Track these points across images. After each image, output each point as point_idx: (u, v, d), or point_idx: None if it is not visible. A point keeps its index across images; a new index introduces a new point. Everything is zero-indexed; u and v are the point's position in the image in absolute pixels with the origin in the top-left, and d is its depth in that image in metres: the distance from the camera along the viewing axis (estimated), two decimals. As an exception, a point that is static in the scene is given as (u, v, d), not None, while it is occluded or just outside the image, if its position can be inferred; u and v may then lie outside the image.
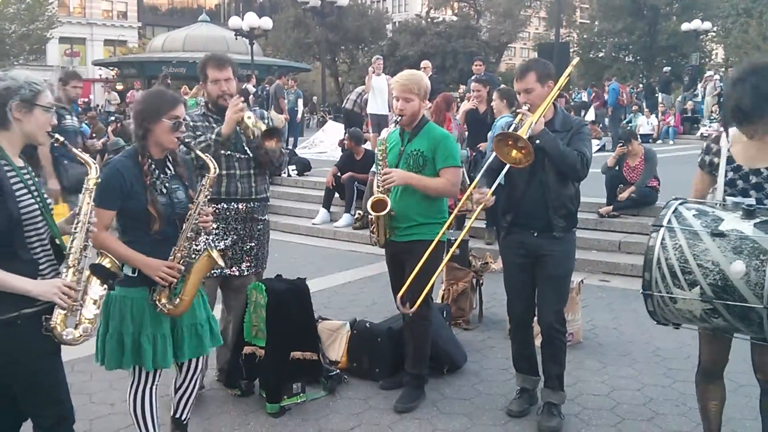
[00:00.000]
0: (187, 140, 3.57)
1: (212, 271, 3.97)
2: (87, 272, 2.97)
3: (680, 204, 3.15)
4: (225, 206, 4.35)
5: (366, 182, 9.76)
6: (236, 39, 27.34)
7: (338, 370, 4.82)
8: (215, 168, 3.53)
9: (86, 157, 3.10)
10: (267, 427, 4.18)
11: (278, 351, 4.35)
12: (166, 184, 3.42)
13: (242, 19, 25.38)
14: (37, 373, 2.87)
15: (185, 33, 34.50)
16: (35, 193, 2.85)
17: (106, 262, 3.04)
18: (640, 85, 32.30)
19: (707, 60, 42.79)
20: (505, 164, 3.89)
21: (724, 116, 3.37)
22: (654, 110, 23.04)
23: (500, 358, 5.21)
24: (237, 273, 4.46)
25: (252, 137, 4.31)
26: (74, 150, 3.16)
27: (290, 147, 15.19)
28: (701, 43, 38.99)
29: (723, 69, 36.84)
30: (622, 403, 4.54)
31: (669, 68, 29.79)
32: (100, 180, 3.07)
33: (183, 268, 3.38)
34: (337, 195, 10.57)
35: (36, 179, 2.94)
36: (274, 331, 4.34)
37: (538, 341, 4.35)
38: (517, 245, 4.20)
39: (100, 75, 42.56)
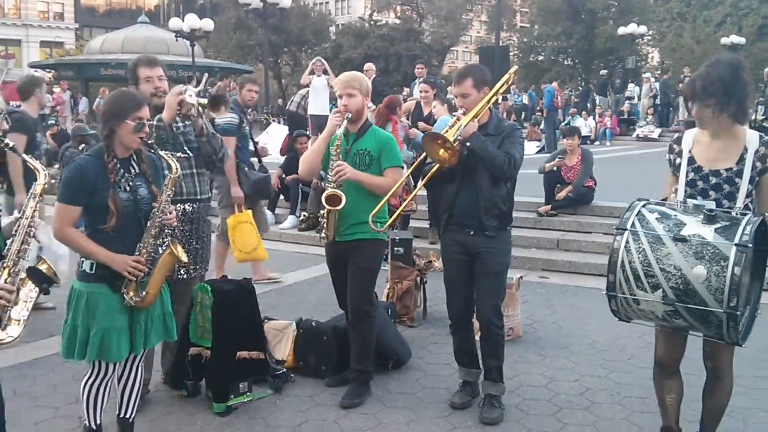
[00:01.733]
0: (149, 141, 3.64)
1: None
2: (23, 275, 3.01)
3: (643, 206, 3.25)
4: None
5: (311, 184, 9.80)
6: (177, 40, 27.02)
7: (284, 369, 4.87)
8: (177, 167, 3.65)
9: (36, 163, 3.22)
10: (215, 426, 4.22)
11: (224, 351, 4.39)
12: (130, 182, 3.53)
13: (183, 21, 25.13)
14: None
15: (124, 34, 33.91)
16: None
17: (44, 267, 3.09)
18: (579, 88, 33.05)
19: (643, 63, 43.95)
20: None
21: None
22: (591, 112, 23.64)
23: (443, 353, 5.34)
24: (185, 275, 4.50)
25: (198, 114, 4.37)
26: (24, 156, 3.22)
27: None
28: (637, 46, 40.04)
29: (658, 72, 37.86)
30: (560, 393, 4.72)
31: (606, 71, 30.56)
32: (66, 177, 3.21)
33: (149, 263, 3.50)
34: (282, 197, 10.59)
35: None
36: (220, 331, 4.38)
37: (478, 336, 4.49)
38: (454, 243, 4.35)
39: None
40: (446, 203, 4.34)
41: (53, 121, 18.45)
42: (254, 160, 7.60)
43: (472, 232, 4.23)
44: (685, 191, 3.37)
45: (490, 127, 4.22)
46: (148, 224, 3.55)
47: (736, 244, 2.92)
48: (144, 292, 3.51)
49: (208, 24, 25.40)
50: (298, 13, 43.28)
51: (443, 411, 4.43)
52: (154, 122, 4.22)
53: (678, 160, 3.44)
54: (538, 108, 23.35)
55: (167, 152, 3.83)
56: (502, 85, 4.42)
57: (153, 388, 4.66)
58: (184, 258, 3.72)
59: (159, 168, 3.77)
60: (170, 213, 3.61)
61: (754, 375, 4.97)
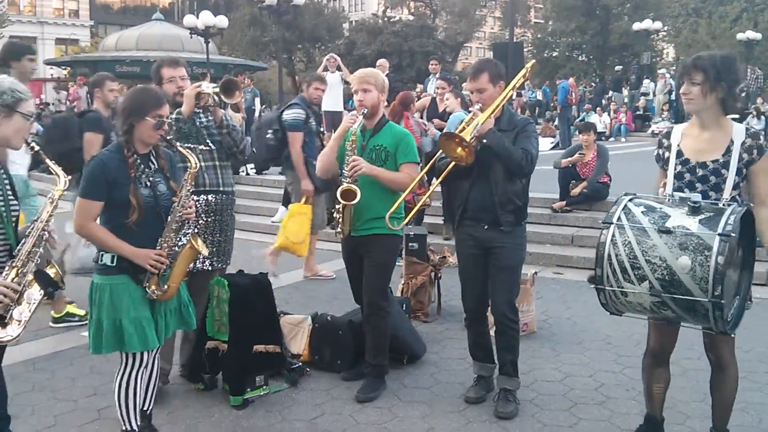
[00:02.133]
0: (168, 137, 3.71)
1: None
2: (30, 276, 3.06)
3: (629, 200, 3.28)
4: (195, 198, 4.43)
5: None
6: (191, 38, 27.12)
7: (300, 363, 4.91)
8: (196, 162, 3.72)
9: (57, 169, 3.24)
10: (231, 419, 4.26)
11: (241, 344, 4.43)
12: (150, 178, 3.58)
13: (197, 18, 25.21)
14: None
15: (139, 32, 34.09)
16: None
17: (52, 272, 3.15)
18: (593, 84, 32.93)
19: (658, 59, 43.73)
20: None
21: (677, 72, 3.59)
22: (606, 108, 23.55)
23: (458, 348, 5.36)
24: (205, 267, 4.54)
25: (215, 104, 4.46)
26: (47, 161, 3.25)
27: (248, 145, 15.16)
28: (652, 42, 39.82)
29: (674, 68, 37.67)
30: (575, 388, 4.73)
31: (621, 67, 30.43)
32: (87, 172, 3.35)
33: (170, 256, 3.56)
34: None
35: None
36: (237, 325, 4.42)
37: (492, 331, 4.51)
38: (469, 238, 4.36)
39: (52, 74, 41.77)
40: (461, 198, 4.36)
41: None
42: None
43: (486, 227, 4.25)
44: (674, 184, 3.40)
45: (502, 122, 4.23)
46: (169, 218, 3.61)
47: (719, 234, 2.94)
48: (166, 286, 3.57)
49: (222, 21, 25.46)
50: (312, 9, 43.32)
51: (458, 405, 4.45)
52: (174, 116, 4.28)
53: (667, 154, 3.48)
54: (552, 104, 23.30)
55: (186, 147, 3.89)
56: (519, 79, 4.44)
57: (170, 380, 4.71)
58: (205, 251, 3.81)
59: (175, 164, 3.82)
60: (190, 207, 3.67)
61: (766, 371, 4.96)
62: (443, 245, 7.68)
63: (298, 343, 5.09)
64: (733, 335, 3.27)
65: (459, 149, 3.95)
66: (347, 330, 4.96)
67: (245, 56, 40.45)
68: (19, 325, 3.02)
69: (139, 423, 3.66)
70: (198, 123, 4.54)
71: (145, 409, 3.83)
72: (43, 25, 51.88)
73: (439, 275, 6.44)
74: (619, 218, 3.19)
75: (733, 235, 2.95)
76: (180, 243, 3.68)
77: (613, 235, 3.17)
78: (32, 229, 3.06)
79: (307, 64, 46.11)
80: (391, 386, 4.69)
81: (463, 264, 4.46)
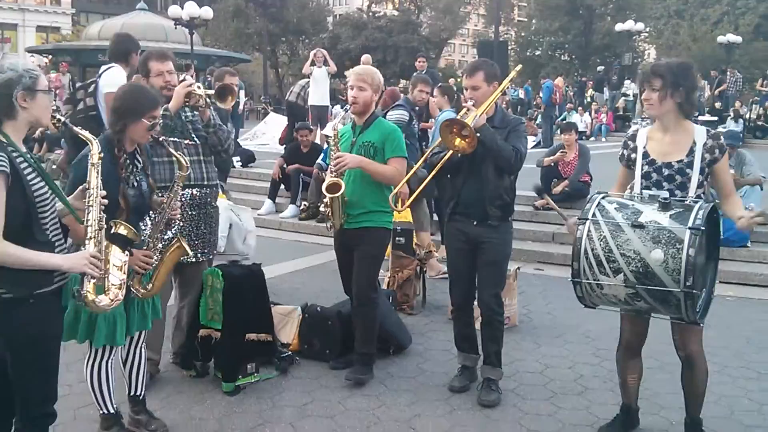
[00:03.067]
0: (160, 138, 3.80)
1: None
2: (105, 242, 3.12)
3: (603, 198, 3.50)
4: (181, 193, 4.54)
5: (311, 174, 9.96)
6: (175, 28, 27.04)
7: (290, 352, 5.06)
8: (187, 165, 3.84)
9: (87, 134, 3.22)
10: (223, 404, 4.39)
11: (234, 333, 4.57)
12: (138, 177, 3.62)
13: (182, 9, 25.15)
14: (40, 351, 3.00)
15: (122, 21, 33.66)
16: (45, 177, 2.98)
17: (122, 230, 3.23)
18: (576, 83, 33.22)
19: (640, 60, 44.17)
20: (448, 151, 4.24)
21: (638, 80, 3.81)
22: (587, 108, 23.83)
23: (442, 340, 5.52)
24: (192, 259, 4.65)
25: (206, 105, 4.52)
26: (75, 129, 3.28)
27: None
28: (634, 43, 40.24)
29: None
30: (555, 379, 4.91)
31: (603, 67, 30.72)
32: (75, 170, 3.28)
33: (157, 256, 3.66)
34: (282, 186, 10.75)
35: (41, 163, 3.08)
36: (230, 313, 4.56)
37: (477, 324, 4.68)
38: (458, 233, 4.54)
39: (33, 62, 41.45)
40: (452, 193, 4.53)
41: (54, 106, 18.47)
42: None
43: (475, 222, 4.42)
44: (641, 183, 3.61)
45: (495, 120, 4.40)
46: (157, 219, 3.70)
47: (689, 228, 3.15)
48: (150, 284, 3.67)
49: (207, 12, 25.41)
50: (297, 2, 43.25)
51: (443, 394, 4.61)
52: (161, 111, 4.37)
53: (633, 155, 3.69)
54: (534, 103, 23.54)
55: (172, 142, 3.99)
56: (509, 81, 4.61)
57: (163, 368, 4.83)
58: (190, 252, 3.95)
59: (151, 157, 3.90)
60: (176, 209, 3.78)
61: (739, 365, 5.19)
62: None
63: (288, 333, 5.24)
64: (702, 324, 3.47)
65: (458, 140, 4.13)
66: (336, 320, 5.10)
67: (229, 48, 40.30)
68: (119, 288, 3.14)
69: (115, 405, 3.79)
70: (183, 118, 4.61)
71: (137, 394, 3.97)
72: (24, 12, 51.29)
73: (425, 269, 6.60)
74: (594, 214, 3.39)
75: (703, 228, 3.16)
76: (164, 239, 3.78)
77: (589, 230, 3.36)
78: (90, 197, 3.07)
79: (290, 57, 46.12)
80: (378, 375, 4.84)
81: (452, 258, 4.63)
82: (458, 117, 4.24)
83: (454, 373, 4.78)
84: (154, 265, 3.69)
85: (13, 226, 2.79)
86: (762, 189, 8.31)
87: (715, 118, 21.00)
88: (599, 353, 5.40)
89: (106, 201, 3.10)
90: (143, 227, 3.75)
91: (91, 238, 3.01)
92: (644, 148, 3.66)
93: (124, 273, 3.20)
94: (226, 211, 6.10)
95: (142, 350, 3.96)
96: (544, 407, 4.47)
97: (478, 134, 4.18)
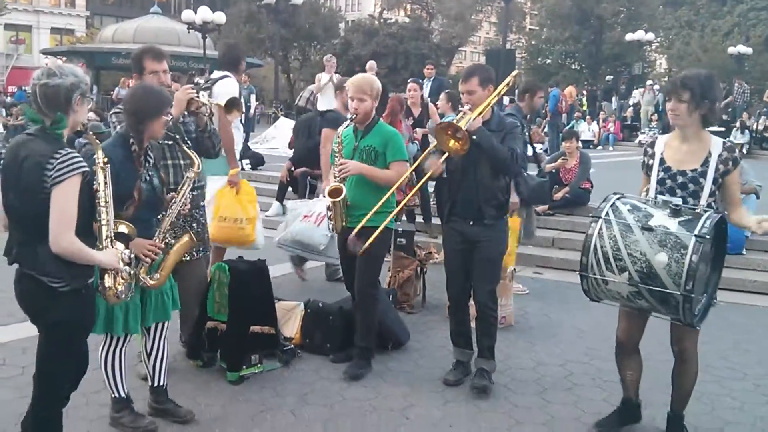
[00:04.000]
0: (176, 135, 4.09)
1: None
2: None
3: (617, 199, 3.70)
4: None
5: (318, 177, 10.15)
6: (189, 32, 27.39)
7: (292, 345, 5.28)
8: (199, 163, 4.09)
9: (93, 138, 3.46)
10: (228, 393, 4.62)
11: (239, 325, 4.79)
12: (149, 173, 3.86)
13: (195, 13, 25.50)
14: (78, 338, 3.31)
15: (136, 24, 34.25)
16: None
17: (124, 228, 3.48)
18: (586, 92, 33.37)
19: (650, 70, 44.25)
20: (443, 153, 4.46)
21: (664, 89, 3.99)
22: (595, 117, 24.02)
23: (439, 337, 5.73)
24: (188, 257, 4.75)
25: (207, 114, 4.69)
26: (88, 133, 3.52)
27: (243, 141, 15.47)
28: (645, 53, 40.33)
29: (665, 79, 38.13)
30: (546, 375, 5.12)
31: (611, 77, 30.88)
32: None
33: (164, 247, 3.89)
34: (290, 189, 10.95)
35: None
36: (235, 306, 4.78)
37: (473, 324, 4.90)
38: (455, 233, 4.76)
39: (46, 64, 41.74)
40: (449, 194, 4.76)
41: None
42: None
43: (471, 222, 4.64)
44: (656, 188, 3.78)
45: (492, 124, 4.62)
46: (169, 212, 3.94)
47: (695, 235, 3.34)
48: (157, 274, 3.89)
49: (220, 17, 25.78)
50: (309, 8, 43.52)
51: (438, 387, 4.83)
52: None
53: (651, 162, 3.86)
54: (543, 110, 23.71)
55: (190, 147, 4.24)
56: (505, 86, 4.83)
57: (171, 358, 5.04)
58: (196, 243, 4.26)
59: (159, 152, 4.18)
60: (188, 203, 4.08)
61: (725, 366, 5.39)
62: (429, 242, 8.04)
63: (291, 327, 5.46)
64: (698, 328, 3.68)
65: (452, 141, 4.35)
66: (337, 316, 5.33)
67: (241, 52, 40.61)
68: (129, 281, 3.49)
69: (126, 390, 4.03)
70: (180, 121, 4.73)
71: (161, 385, 4.20)
72: (39, 14, 51.81)
73: (425, 270, 6.81)
74: (607, 214, 3.60)
75: (708, 237, 3.34)
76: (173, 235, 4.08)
77: (601, 228, 3.57)
78: (100, 198, 3.28)
79: (302, 63, 46.41)
80: (377, 368, 5.06)
81: (449, 257, 4.85)
82: (455, 120, 4.45)
83: (450, 368, 4.99)
84: (161, 257, 3.90)
85: (80, 222, 3.06)
86: (758, 197, 8.49)
87: (722, 129, 21.19)
88: (590, 352, 5.60)
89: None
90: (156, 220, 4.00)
91: (108, 237, 3.28)
92: (661, 154, 3.83)
93: (131, 266, 3.48)
94: None
95: (166, 342, 4.19)
96: (534, 401, 4.68)
97: (474, 136, 4.39)
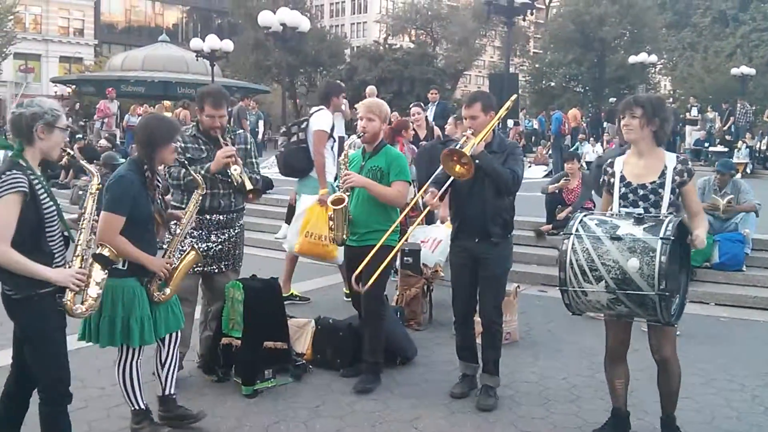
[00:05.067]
0: (183, 160, 4.43)
1: (195, 268, 4.81)
2: (90, 260, 3.65)
3: (584, 216, 3.96)
4: (208, 217, 5.03)
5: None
6: (197, 60, 27.82)
7: (304, 361, 5.47)
8: (203, 186, 4.45)
9: (90, 167, 3.83)
10: (242, 405, 4.81)
11: (253, 340, 4.99)
12: (160, 196, 4.18)
13: (203, 41, 25.93)
14: (46, 340, 3.51)
15: (145, 52, 34.69)
16: (52, 197, 3.52)
17: (106, 252, 3.72)
18: (589, 115, 33.63)
19: (654, 91, 44.44)
20: (450, 177, 4.66)
21: (619, 109, 4.28)
22: (599, 139, 24.24)
23: (446, 353, 5.89)
24: (216, 270, 5.12)
25: (239, 183, 4.99)
26: (81, 161, 3.85)
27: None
28: (648, 75, 40.61)
29: (669, 100, 38.37)
30: (549, 388, 5.29)
31: (614, 99, 31.12)
32: (115, 189, 3.82)
33: (174, 264, 4.19)
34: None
35: (49, 185, 3.63)
36: (249, 323, 4.98)
37: (479, 340, 5.08)
38: (462, 250, 4.96)
39: (56, 92, 42.33)
40: (456, 214, 5.00)
41: (80, 136, 19.01)
42: None
43: (477, 240, 4.84)
44: (619, 203, 4.06)
45: (494, 145, 4.85)
46: (178, 231, 4.25)
47: (661, 238, 3.61)
48: (168, 289, 4.16)
49: (228, 45, 26.21)
50: (315, 35, 44.03)
51: (444, 399, 5.01)
52: (203, 172, 4.80)
53: (612, 180, 4.14)
54: (546, 133, 24.01)
55: (195, 169, 4.57)
56: (505, 110, 5.05)
57: (188, 374, 5.25)
58: (200, 260, 4.56)
59: (162, 177, 4.49)
60: (192, 223, 4.41)
61: (725, 378, 5.54)
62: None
63: (303, 343, 5.65)
64: (675, 326, 3.96)
65: (458, 167, 4.56)
66: (347, 332, 5.52)
67: (248, 79, 41.16)
68: (95, 300, 3.64)
69: (144, 401, 4.22)
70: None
71: (171, 393, 4.40)
72: (48, 43, 52.42)
73: (431, 288, 7.00)
74: (577, 230, 3.83)
75: (672, 238, 3.60)
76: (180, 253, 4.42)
77: (573, 244, 3.79)
78: (83, 221, 3.60)
79: (309, 88, 46.85)
80: (385, 382, 5.24)
81: (455, 273, 5.05)
82: (459, 145, 4.67)
83: (456, 382, 5.16)
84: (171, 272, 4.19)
85: (24, 236, 3.34)
86: (758, 216, 8.66)
87: (726, 149, 21.41)
88: (593, 366, 5.74)
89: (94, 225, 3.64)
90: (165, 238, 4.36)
91: (78, 256, 3.55)
92: (621, 172, 4.11)
93: (101, 288, 3.68)
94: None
95: (177, 351, 4.41)
96: (537, 411, 4.85)
97: (477, 161, 4.60)
